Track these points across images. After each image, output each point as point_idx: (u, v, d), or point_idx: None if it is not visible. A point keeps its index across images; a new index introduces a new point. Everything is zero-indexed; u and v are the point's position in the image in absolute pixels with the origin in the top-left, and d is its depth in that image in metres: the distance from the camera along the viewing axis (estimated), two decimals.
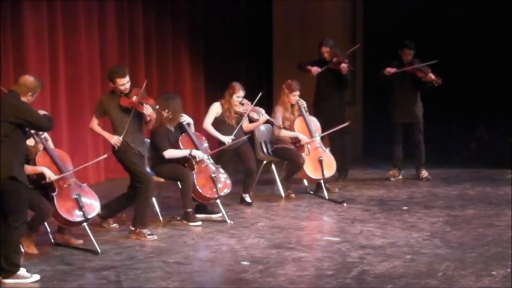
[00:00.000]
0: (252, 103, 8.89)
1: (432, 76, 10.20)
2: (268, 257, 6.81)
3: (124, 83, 7.48)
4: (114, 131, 7.60)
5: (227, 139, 8.71)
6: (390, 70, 10.27)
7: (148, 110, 7.55)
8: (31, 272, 6.18)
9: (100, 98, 7.90)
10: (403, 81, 10.34)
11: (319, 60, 10.11)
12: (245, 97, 9.01)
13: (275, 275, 6.31)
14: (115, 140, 7.54)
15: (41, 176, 6.90)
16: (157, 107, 7.71)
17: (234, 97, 8.81)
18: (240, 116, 8.86)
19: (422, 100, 10.57)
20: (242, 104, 8.85)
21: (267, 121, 9.11)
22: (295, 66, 10.36)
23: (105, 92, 8.26)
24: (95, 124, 7.69)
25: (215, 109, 8.88)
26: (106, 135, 7.65)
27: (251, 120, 9.07)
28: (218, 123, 8.86)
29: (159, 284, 6.12)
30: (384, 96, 10.88)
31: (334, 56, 10.00)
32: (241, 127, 8.87)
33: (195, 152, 8.20)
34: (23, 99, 6.20)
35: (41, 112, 6.50)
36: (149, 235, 7.52)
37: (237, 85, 8.87)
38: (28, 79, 6.29)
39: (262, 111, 9.03)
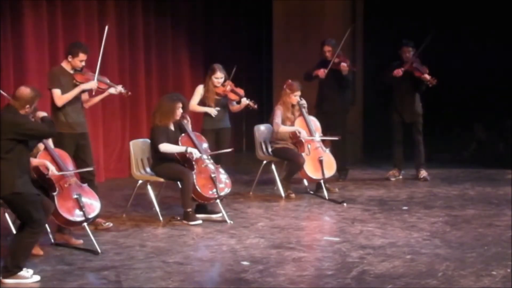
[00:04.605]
0: (230, 81, 9.00)
1: (427, 76, 10.18)
2: (268, 257, 6.81)
3: (85, 59, 7.64)
4: (57, 107, 7.62)
5: (213, 111, 8.85)
6: (399, 71, 10.24)
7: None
8: (31, 273, 6.17)
9: (52, 70, 7.91)
10: (401, 80, 10.32)
11: (321, 60, 10.09)
12: (245, 96, 9.09)
13: (275, 275, 6.30)
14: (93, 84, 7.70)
15: (42, 176, 6.89)
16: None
17: (213, 78, 8.91)
18: (220, 98, 8.95)
19: (422, 100, 10.56)
20: (224, 86, 8.92)
21: (248, 105, 9.14)
22: (295, 67, 10.34)
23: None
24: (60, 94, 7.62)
25: (199, 90, 9.01)
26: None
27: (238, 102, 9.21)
28: (200, 105, 8.99)
29: (159, 284, 6.11)
30: (384, 96, 10.87)
31: (335, 55, 9.97)
32: (224, 107, 8.99)
33: (191, 149, 8.20)
34: (22, 112, 6.15)
35: (41, 114, 6.50)
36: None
37: (216, 66, 8.99)
38: (25, 91, 6.18)
39: (242, 92, 9.13)
